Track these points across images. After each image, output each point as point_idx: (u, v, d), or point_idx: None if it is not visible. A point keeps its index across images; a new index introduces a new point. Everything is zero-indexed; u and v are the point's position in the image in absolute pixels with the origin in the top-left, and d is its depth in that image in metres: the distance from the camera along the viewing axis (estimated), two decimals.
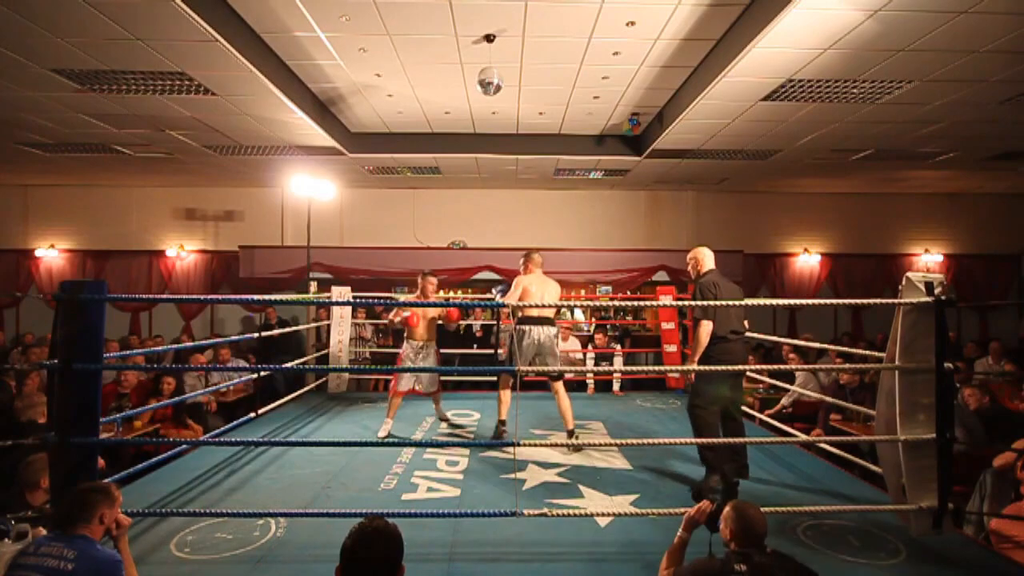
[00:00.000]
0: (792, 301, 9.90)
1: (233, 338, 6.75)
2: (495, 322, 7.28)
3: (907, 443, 2.83)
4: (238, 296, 9.23)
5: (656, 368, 6.08)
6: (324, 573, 1.87)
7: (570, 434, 4.47)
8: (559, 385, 4.54)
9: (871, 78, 4.91)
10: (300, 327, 7.86)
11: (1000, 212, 10.03)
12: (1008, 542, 3.04)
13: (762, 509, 2.25)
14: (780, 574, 1.96)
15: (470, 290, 9.77)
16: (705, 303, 3.26)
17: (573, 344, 7.26)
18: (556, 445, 4.21)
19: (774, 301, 9.22)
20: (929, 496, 2.82)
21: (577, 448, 4.37)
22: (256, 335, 5.82)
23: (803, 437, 4.43)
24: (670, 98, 6.17)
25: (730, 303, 3.22)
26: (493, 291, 5.61)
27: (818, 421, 6.00)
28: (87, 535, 2.13)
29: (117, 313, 9.50)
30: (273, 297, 3.96)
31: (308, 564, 2.75)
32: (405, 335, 5.05)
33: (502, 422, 4.63)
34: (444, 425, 5.39)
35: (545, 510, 3.04)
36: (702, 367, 3.51)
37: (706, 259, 3.96)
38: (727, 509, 2.20)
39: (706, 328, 3.68)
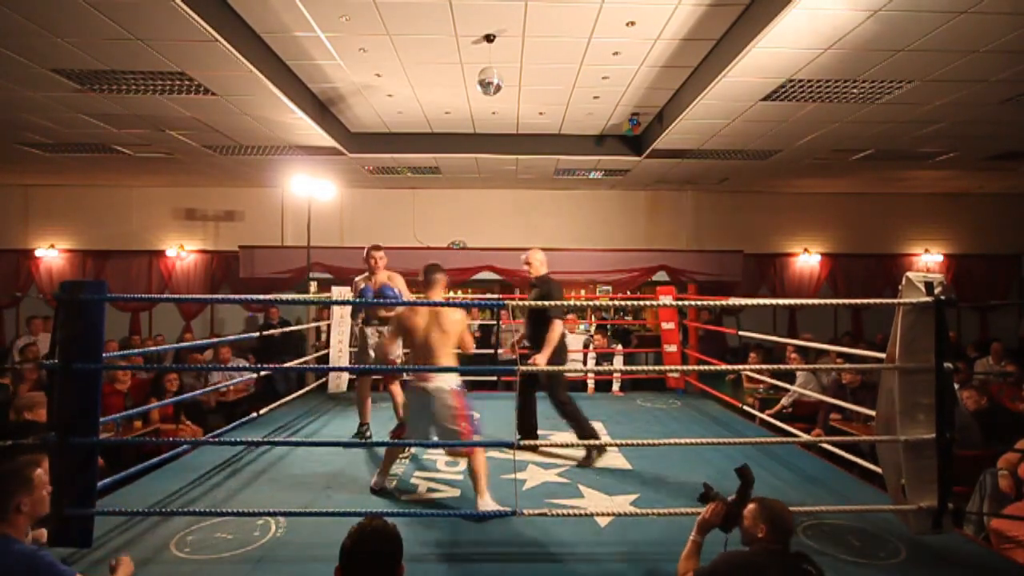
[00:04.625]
0: (792, 301, 9.90)
1: (232, 338, 6.75)
2: (495, 322, 7.28)
3: (907, 443, 2.83)
4: (238, 296, 9.23)
5: (656, 368, 6.09)
6: (324, 573, 1.87)
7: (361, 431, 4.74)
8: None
9: (871, 78, 4.91)
10: (300, 327, 7.86)
11: (1000, 212, 10.03)
12: (1008, 542, 3.05)
13: None
14: None
15: (470, 290, 9.77)
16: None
17: (574, 343, 7.25)
18: (556, 445, 4.21)
19: (774, 301, 9.23)
20: (929, 496, 2.82)
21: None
22: (256, 335, 5.81)
23: (804, 437, 4.43)
24: (670, 98, 6.17)
25: (706, 303, 3.22)
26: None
27: (818, 421, 6.00)
28: (7, 533, 1.91)
29: (117, 313, 9.50)
30: (273, 297, 3.97)
31: (308, 564, 2.75)
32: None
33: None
34: None
35: (545, 510, 3.05)
36: (705, 368, 3.50)
37: (545, 262, 4.48)
38: (753, 506, 2.15)
39: (560, 327, 4.24)
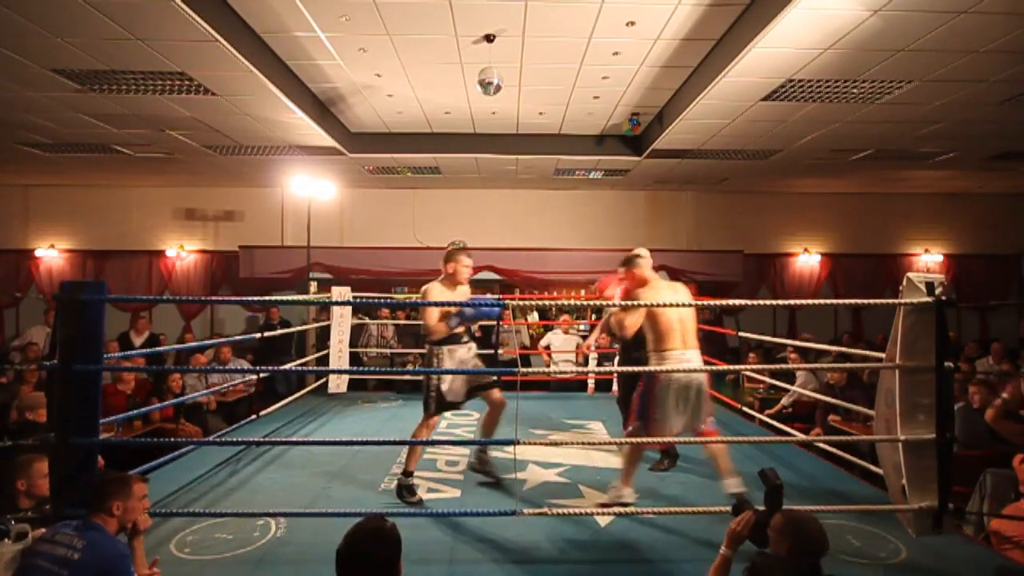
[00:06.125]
0: (792, 301, 9.89)
1: (236, 338, 6.74)
2: (495, 322, 7.26)
3: (907, 443, 2.83)
4: (238, 297, 9.23)
5: (656, 368, 6.07)
6: (324, 573, 1.87)
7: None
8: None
9: (871, 78, 4.91)
10: (300, 327, 7.86)
11: (1000, 212, 10.02)
12: (1008, 542, 3.04)
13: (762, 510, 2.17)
14: None
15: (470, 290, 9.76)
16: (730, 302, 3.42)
17: (569, 344, 7.26)
18: (557, 444, 4.21)
19: (774, 301, 9.23)
20: (929, 496, 2.82)
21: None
22: (257, 335, 5.80)
23: (803, 437, 4.43)
24: (670, 98, 6.16)
25: (737, 302, 3.23)
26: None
27: (816, 420, 6.00)
28: (101, 525, 2.15)
29: (117, 313, 9.48)
30: (273, 297, 3.97)
31: (308, 564, 2.75)
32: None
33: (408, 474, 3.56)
34: (444, 424, 5.39)
35: (545, 510, 3.05)
36: (704, 367, 3.50)
37: None
38: (778, 519, 1.95)
39: None
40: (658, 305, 3.31)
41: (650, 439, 3.30)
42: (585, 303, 8.13)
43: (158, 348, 8.17)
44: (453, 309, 3.54)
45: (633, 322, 3.36)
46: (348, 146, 7.35)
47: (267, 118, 6.10)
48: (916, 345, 2.83)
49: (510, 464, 4.02)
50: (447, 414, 5.58)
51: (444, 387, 3.59)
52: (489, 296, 3.69)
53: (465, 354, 3.81)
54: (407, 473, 3.56)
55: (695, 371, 3.32)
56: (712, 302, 6.48)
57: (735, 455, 4.29)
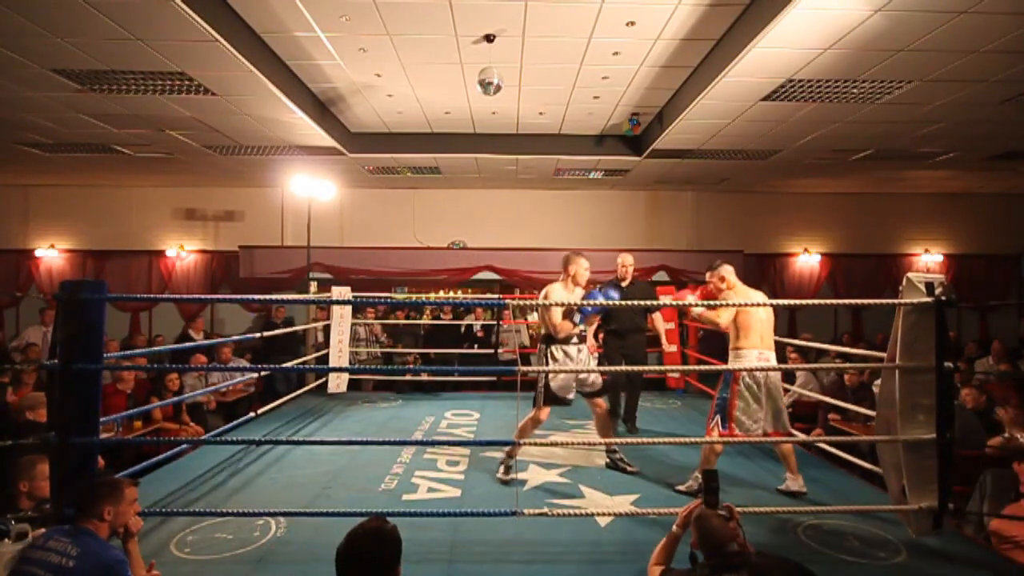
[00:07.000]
0: (792, 301, 9.90)
1: (234, 338, 6.74)
2: (495, 322, 7.29)
3: (907, 443, 2.83)
4: (238, 296, 9.23)
5: (656, 368, 6.09)
6: (324, 573, 1.87)
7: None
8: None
9: (871, 78, 4.91)
10: (300, 327, 7.86)
11: (1000, 212, 10.02)
12: (1008, 542, 3.05)
13: (762, 510, 2.19)
14: None
15: (470, 290, 9.79)
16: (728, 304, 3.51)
17: None
18: (556, 445, 4.21)
19: (774, 302, 9.22)
20: (929, 496, 2.82)
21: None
22: (258, 335, 5.79)
23: (803, 438, 4.44)
24: (670, 98, 6.17)
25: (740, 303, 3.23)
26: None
27: (818, 421, 6.00)
28: (93, 530, 2.12)
29: (117, 313, 9.50)
30: (272, 297, 3.97)
31: (308, 564, 2.75)
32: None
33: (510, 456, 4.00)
34: (444, 424, 5.39)
35: (545, 510, 3.05)
36: (705, 367, 3.52)
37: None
38: (696, 515, 2.13)
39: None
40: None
41: (639, 440, 3.36)
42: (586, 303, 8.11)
43: (160, 347, 8.17)
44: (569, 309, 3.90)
45: (725, 320, 3.69)
46: (348, 146, 7.35)
47: (267, 118, 6.10)
48: (916, 345, 2.83)
49: (511, 465, 4.02)
50: (447, 414, 5.61)
51: (554, 384, 3.89)
52: (595, 292, 4.05)
53: (576, 354, 4.03)
54: (509, 455, 3.98)
55: (677, 369, 3.33)
56: (711, 303, 6.49)
57: (735, 454, 4.31)
